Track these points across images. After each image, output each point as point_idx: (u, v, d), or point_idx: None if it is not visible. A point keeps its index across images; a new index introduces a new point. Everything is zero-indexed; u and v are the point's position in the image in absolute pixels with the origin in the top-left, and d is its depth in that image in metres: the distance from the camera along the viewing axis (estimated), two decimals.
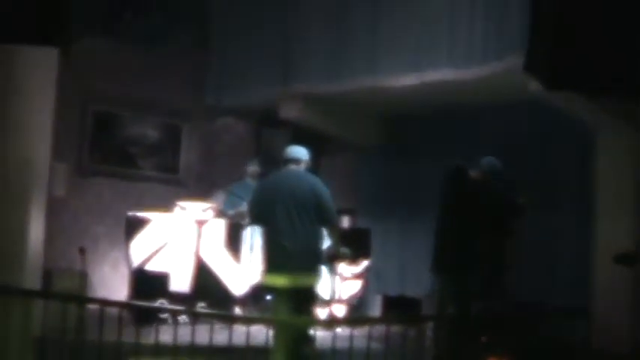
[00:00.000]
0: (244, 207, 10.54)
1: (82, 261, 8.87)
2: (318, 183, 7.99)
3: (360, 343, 7.00)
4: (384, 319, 9.83)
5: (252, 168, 11.35)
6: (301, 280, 7.72)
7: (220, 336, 7.40)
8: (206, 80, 12.60)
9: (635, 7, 5.08)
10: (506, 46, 8.75)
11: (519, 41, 7.93)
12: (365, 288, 11.16)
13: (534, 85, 7.37)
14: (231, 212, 10.84)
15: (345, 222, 11.30)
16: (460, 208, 8.47)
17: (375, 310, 11.19)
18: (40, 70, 8.62)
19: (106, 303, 7.36)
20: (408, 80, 10.02)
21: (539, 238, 10.43)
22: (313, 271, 7.87)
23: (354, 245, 10.75)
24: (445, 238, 8.49)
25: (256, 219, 8.45)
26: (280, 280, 7.69)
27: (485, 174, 9.10)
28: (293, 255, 7.69)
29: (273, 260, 7.90)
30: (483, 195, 8.80)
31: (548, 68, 5.16)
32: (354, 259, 10.59)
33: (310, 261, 7.84)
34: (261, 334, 7.55)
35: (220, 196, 11.24)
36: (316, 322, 7.90)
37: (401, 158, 11.89)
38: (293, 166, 8.12)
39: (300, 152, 8.26)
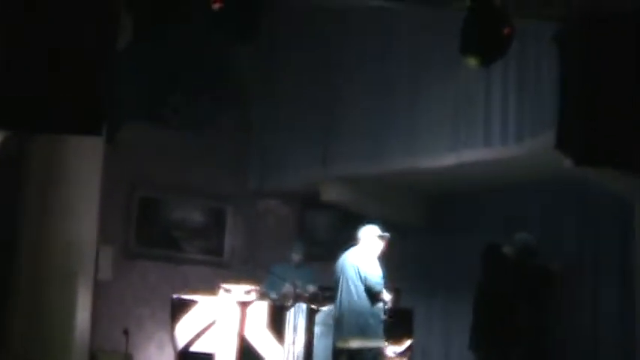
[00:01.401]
0: (287, 288, 10.69)
1: (127, 342, 8.97)
2: (363, 262, 9.54)
3: None
4: None
5: (295, 256, 11.57)
6: (351, 343, 9.33)
7: None
8: (249, 164, 12.83)
9: None
10: (540, 125, 8.86)
11: (553, 119, 8.04)
12: None
13: (568, 163, 7.44)
14: (274, 295, 10.93)
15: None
16: (494, 285, 8.53)
17: None
18: (85, 157, 8.85)
19: None
20: (446, 161, 10.16)
21: (584, 311, 10.43)
22: (361, 336, 9.28)
23: (396, 325, 10.84)
24: (481, 315, 8.54)
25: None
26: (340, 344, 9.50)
27: (518, 250, 9.19)
28: (346, 322, 9.41)
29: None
30: (516, 270, 8.87)
31: (577, 145, 5.24)
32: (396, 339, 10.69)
33: (359, 327, 9.31)
34: None
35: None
36: None
37: (442, 237, 11.96)
38: (356, 245, 9.71)
39: (361, 232, 9.80)
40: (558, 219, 10.87)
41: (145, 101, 11.17)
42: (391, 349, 10.73)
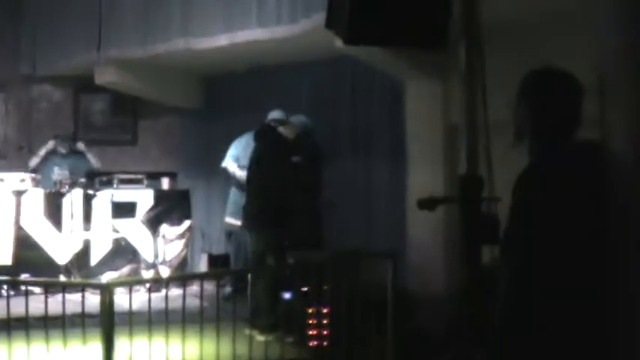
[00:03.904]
0: (60, 174, 10.57)
1: None
2: None
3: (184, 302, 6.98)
4: (194, 276, 9.97)
5: (61, 149, 11.47)
6: None
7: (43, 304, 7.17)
8: (20, 48, 12.46)
9: None
10: (312, 4, 8.94)
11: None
12: (188, 248, 11.29)
13: (339, 42, 7.54)
14: (54, 178, 10.76)
15: (165, 184, 11.38)
16: (269, 165, 8.60)
17: (202, 269, 11.30)
18: None
19: None
20: (219, 42, 10.15)
21: (357, 188, 10.73)
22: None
23: (175, 206, 10.93)
24: (256, 194, 8.61)
25: None
26: None
27: (296, 131, 9.34)
28: None
29: None
30: (292, 151, 9.01)
31: (345, 25, 5.27)
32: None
33: None
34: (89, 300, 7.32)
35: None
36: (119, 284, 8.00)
37: (219, 119, 12.01)
38: None
39: None
40: (333, 98, 11.07)
41: None
42: (170, 231, 10.83)
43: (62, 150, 11.45)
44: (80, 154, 11.62)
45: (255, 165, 8.75)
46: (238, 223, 9.75)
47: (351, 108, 10.90)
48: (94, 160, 11.61)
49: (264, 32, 9.75)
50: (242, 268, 9.81)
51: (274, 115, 9.77)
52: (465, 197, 4.04)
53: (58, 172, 10.70)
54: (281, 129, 9.04)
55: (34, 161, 11.29)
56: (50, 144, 11.52)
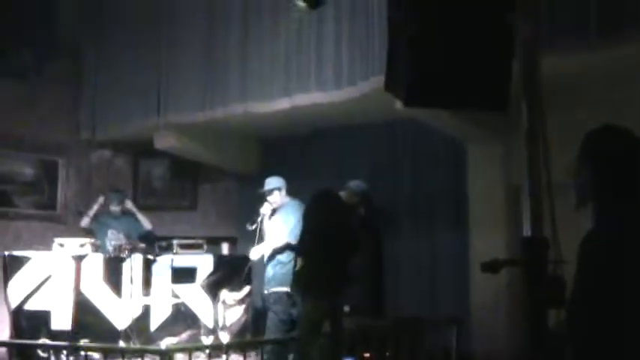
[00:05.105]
0: (121, 239, 10.58)
1: None
2: None
3: None
4: (250, 343, 9.83)
5: (114, 208, 11.49)
6: None
7: None
8: (80, 113, 12.57)
9: (490, 23, 5.16)
10: (371, 68, 8.94)
11: (383, 62, 8.08)
12: (248, 314, 11.19)
13: (399, 104, 7.49)
14: (110, 247, 10.77)
15: (225, 249, 11.35)
16: (325, 229, 8.37)
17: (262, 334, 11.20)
18: None
19: None
20: (279, 105, 10.17)
21: (419, 252, 10.61)
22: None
23: (234, 272, 10.85)
24: (311, 260, 8.37)
25: None
26: None
27: (356, 197, 9.29)
28: None
29: None
30: (351, 218, 8.94)
31: (404, 86, 5.22)
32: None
33: None
34: None
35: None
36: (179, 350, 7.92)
37: None
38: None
39: None
40: (393, 161, 11.02)
41: None
42: (230, 297, 10.75)
43: (115, 208, 11.47)
44: (131, 215, 11.65)
45: (310, 229, 8.54)
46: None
47: (412, 170, 10.84)
48: (145, 222, 11.63)
49: (323, 96, 9.76)
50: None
51: (272, 183, 9.95)
52: (529, 259, 3.93)
53: (112, 237, 10.70)
54: (341, 193, 8.98)
55: (84, 221, 11.36)
56: (100, 199, 11.57)
